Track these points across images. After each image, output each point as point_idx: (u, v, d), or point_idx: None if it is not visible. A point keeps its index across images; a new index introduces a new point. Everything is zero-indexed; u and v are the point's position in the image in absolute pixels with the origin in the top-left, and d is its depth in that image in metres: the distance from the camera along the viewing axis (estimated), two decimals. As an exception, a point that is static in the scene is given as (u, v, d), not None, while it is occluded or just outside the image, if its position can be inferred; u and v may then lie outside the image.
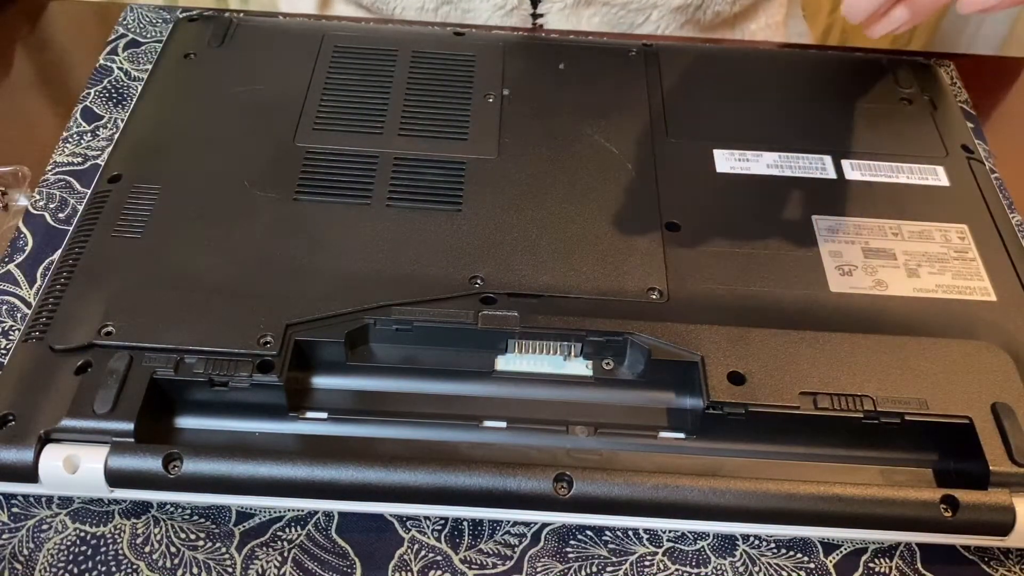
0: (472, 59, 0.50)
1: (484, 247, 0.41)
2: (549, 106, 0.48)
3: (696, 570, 0.35)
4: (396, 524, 0.36)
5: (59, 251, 0.41)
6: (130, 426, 0.34)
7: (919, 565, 0.36)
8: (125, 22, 0.56)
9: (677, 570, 0.35)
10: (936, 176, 0.46)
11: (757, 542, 0.36)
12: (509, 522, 0.36)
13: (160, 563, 0.34)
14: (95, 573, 0.34)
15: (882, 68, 0.52)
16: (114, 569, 0.34)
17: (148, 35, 0.55)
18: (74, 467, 0.33)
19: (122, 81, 0.52)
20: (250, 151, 0.44)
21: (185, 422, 0.36)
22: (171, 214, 0.41)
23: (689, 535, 0.36)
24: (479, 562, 0.35)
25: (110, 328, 0.36)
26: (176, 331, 0.36)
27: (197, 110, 0.46)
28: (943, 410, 0.36)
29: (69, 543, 0.35)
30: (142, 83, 0.49)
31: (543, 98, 0.48)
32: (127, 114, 0.47)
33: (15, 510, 0.36)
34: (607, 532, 0.36)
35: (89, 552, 0.34)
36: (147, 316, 0.36)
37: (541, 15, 0.59)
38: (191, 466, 0.33)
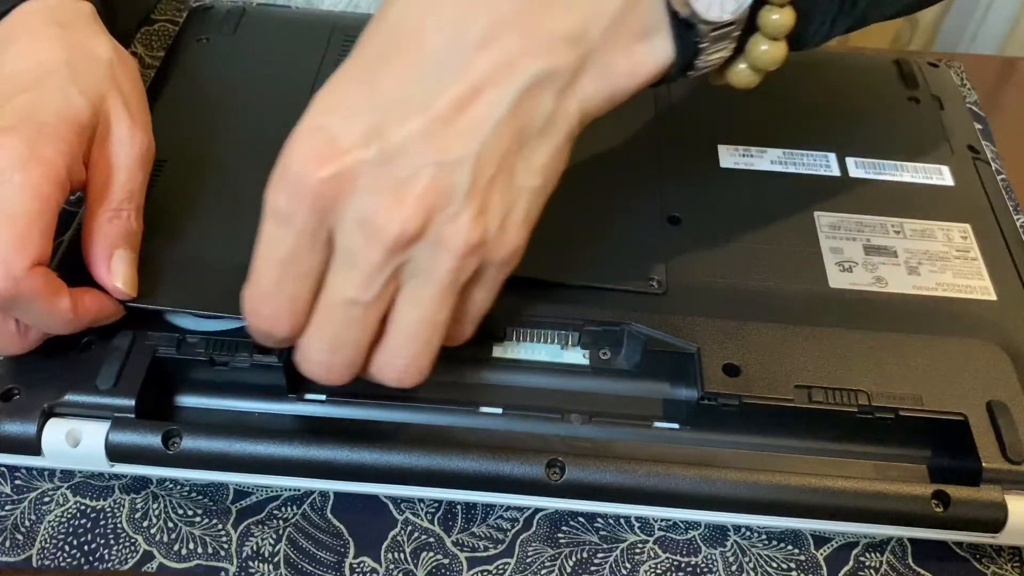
0: None
1: None
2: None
3: (687, 559, 0.35)
4: (390, 506, 0.36)
5: (69, 232, 0.42)
6: (131, 402, 0.34)
7: (910, 560, 0.36)
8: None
9: (668, 558, 0.35)
10: (941, 175, 0.46)
11: (748, 533, 0.36)
12: (502, 507, 0.36)
13: (157, 537, 0.35)
14: (94, 545, 0.35)
15: (890, 67, 0.52)
16: (112, 542, 0.35)
17: (160, 14, 0.56)
18: (76, 441, 0.34)
19: (136, 67, 0.53)
20: (258, 132, 0.45)
21: (186, 400, 0.37)
22: (176, 188, 0.41)
23: (680, 524, 0.36)
24: (471, 545, 0.35)
25: None
26: (175, 295, 0.36)
27: (207, 91, 0.47)
28: (938, 406, 0.36)
29: (69, 516, 0.35)
30: (155, 70, 0.50)
31: None
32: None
33: (18, 482, 0.36)
34: (599, 519, 0.36)
35: (89, 525, 0.35)
36: (148, 283, 0.37)
37: None
38: (190, 443, 0.34)
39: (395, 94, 0.27)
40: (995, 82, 0.59)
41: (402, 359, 0.30)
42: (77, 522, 0.35)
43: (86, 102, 0.34)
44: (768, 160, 0.46)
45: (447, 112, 0.27)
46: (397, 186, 0.27)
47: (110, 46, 0.37)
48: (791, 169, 0.46)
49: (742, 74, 0.32)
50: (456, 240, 0.28)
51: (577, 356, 0.39)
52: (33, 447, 0.34)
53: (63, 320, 0.33)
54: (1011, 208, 0.45)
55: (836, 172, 0.46)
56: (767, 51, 0.31)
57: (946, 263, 0.42)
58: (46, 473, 0.37)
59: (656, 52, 0.29)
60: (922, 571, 0.35)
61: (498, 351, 0.38)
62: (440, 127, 0.27)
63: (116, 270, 0.34)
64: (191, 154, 0.43)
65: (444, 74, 0.27)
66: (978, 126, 0.50)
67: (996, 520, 0.33)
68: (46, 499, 0.36)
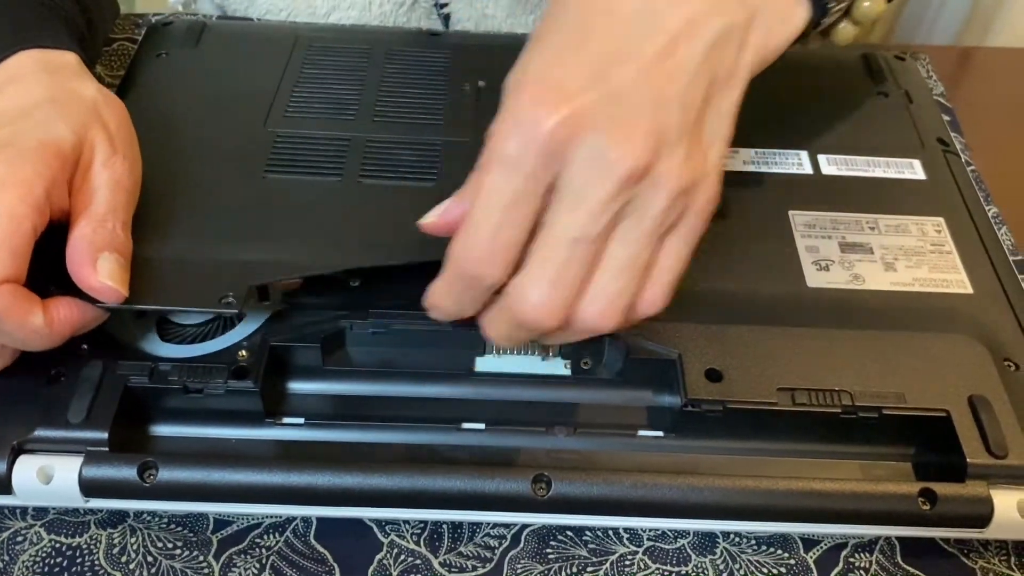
0: (447, 56, 0.50)
1: None
2: None
3: (677, 568, 0.35)
4: (375, 529, 0.36)
5: None
6: (104, 435, 0.33)
7: (899, 559, 0.36)
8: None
9: (658, 569, 0.35)
10: (912, 170, 0.46)
11: (737, 539, 0.36)
12: (489, 524, 0.36)
13: (137, 573, 0.34)
14: (71, 584, 0.34)
15: (857, 62, 0.52)
16: (90, 580, 0.34)
17: (118, 33, 0.55)
18: (48, 477, 0.33)
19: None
20: (220, 136, 0.44)
21: (160, 430, 0.36)
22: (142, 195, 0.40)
23: (669, 533, 0.36)
24: (459, 565, 0.35)
25: (85, 345, 0.36)
26: (152, 294, 0.35)
27: (168, 102, 0.46)
28: (921, 404, 0.36)
29: (44, 555, 0.34)
30: (115, 88, 0.49)
31: None
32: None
33: (-11, 522, 0.35)
34: (587, 532, 0.36)
35: (65, 563, 0.34)
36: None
37: (445, 3, 0.57)
38: (167, 474, 0.33)
39: (605, 48, 0.30)
40: (955, 72, 0.60)
41: (604, 299, 0.30)
42: (53, 560, 0.34)
43: (70, 132, 0.35)
44: (740, 160, 0.46)
45: (654, 58, 0.30)
46: (625, 124, 0.29)
47: (95, 88, 0.38)
48: (763, 169, 0.45)
49: (844, 31, 0.39)
50: (671, 180, 0.29)
51: (558, 366, 0.38)
52: (3, 485, 0.33)
53: (39, 336, 0.33)
54: (982, 199, 0.46)
55: (809, 170, 0.46)
56: (869, 7, 0.39)
57: (922, 258, 0.42)
58: (18, 511, 0.36)
59: (801, 13, 0.35)
60: (911, 569, 0.35)
61: (479, 364, 0.38)
62: (652, 70, 0.30)
63: (103, 269, 0.33)
64: (154, 162, 0.42)
65: (643, 30, 0.30)
66: (946, 118, 0.51)
67: (982, 515, 0.34)
68: (19, 538, 0.35)
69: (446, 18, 0.58)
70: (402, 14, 0.58)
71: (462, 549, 0.35)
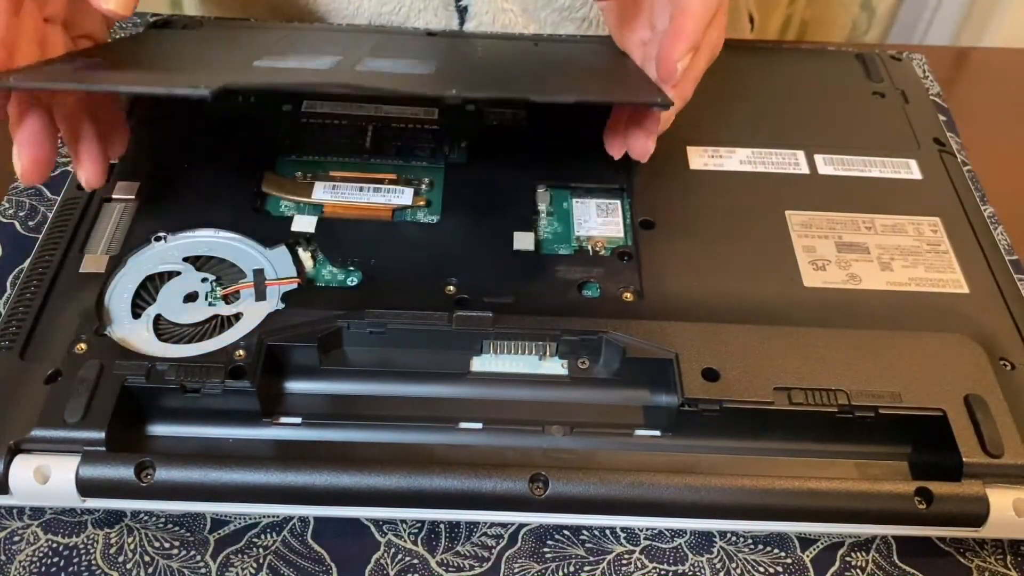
0: (443, 46, 0.49)
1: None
2: (522, 69, 0.47)
3: (673, 568, 0.35)
4: (372, 528, 0.36)
5: (28, 259, 0.41)
6: (101, 435, 0.33)
7: (895, 558, 0.36)
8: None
9: (654, 568, 0.35)
10: (908, 169, 0.46)
11: (734, 538, 0.36)
12: (486, 524, 0.36)
13: (134, 573, 0.34)
14: (68, 584, 0.34)
15: (853, 62, 0.52)
16: (87, 580, 0.34)
17: (115, 35, 0.55)
18: (45, 477, 0.33)
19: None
20: (207, 62, 0.44)
21: (157, 429, 0.36)
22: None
23: (666, 533, 0.36)
24: (456, 564, 0.35)
25: (83, 345, 0.36)
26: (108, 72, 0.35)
27: (159, 40, 0.47)
28: (917, 403, 0.36)
29: (41, 555, 0.34)
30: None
31: (516, 64, 0.47)
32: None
33: (-14, 522, 0.35)
34: (584, 531, 0.36)
35: (62, 563, 0.34)
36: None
37: None
38: (164, 474, 0.33)
39: None
40: (951, 72, 0.60)
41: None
42: (50, 560, 0.34)
43: None
44: (737, 160, 0.46)
45: None
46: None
47: None
48: (760, 168, 0.46)
49: None
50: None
51: (556, 367, 0.38)
52: (0, 485, 0.33)
53: None
54: (978, 199, 0.46)
55: (805, 170, 0.46)
56: None
57: (918, 257, 0.42)
58: (15, 511, 0.35)
59: None
60: (908, 568, 0.35)
61: (476, 364, 0.38)
62: None
63: None
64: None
65: None
66: (942, 118, 0.51)
67: (978, 514, 0.34)
68: (16, 538, 0.35)
69: (463, 11, 0.57)
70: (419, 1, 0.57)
71: (459, 549, 0.35)
